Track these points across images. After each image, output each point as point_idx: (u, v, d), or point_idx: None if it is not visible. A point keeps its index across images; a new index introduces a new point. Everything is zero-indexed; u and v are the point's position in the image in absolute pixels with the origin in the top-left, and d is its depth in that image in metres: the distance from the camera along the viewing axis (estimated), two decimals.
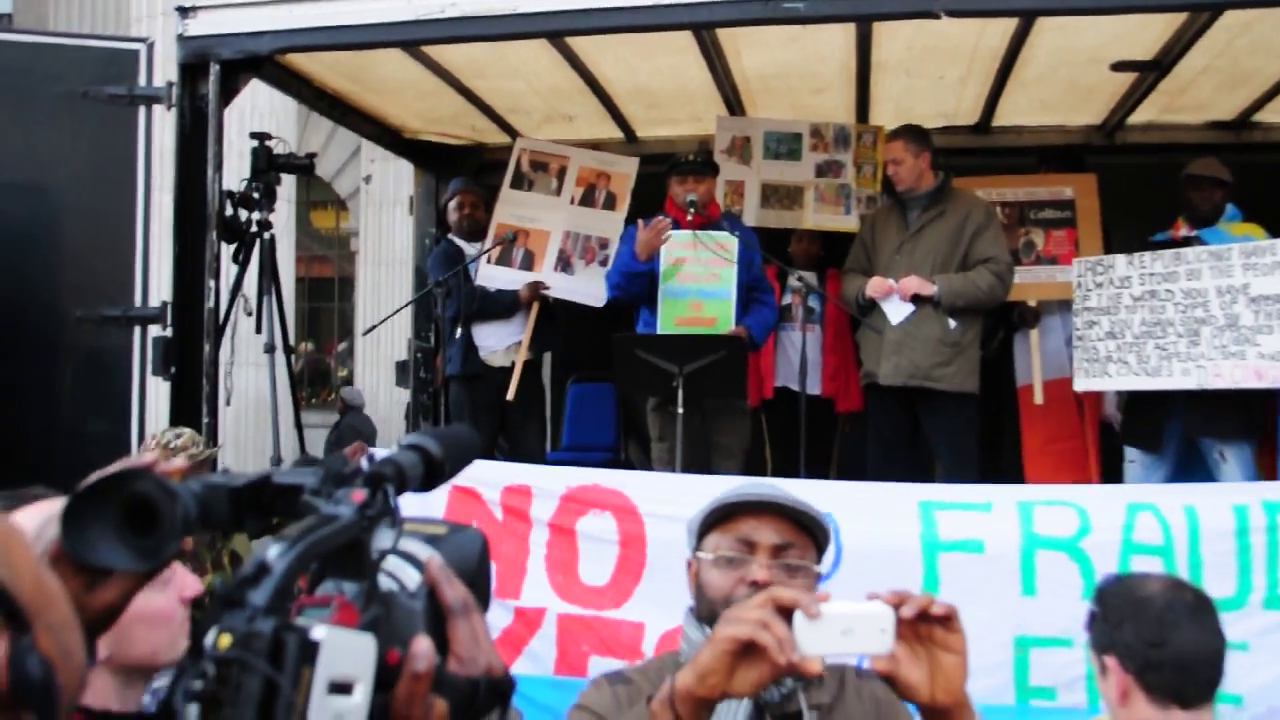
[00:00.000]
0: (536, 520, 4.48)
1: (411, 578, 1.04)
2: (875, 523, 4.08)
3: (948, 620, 1.46)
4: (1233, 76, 5.91)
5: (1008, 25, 5.25)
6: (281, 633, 0.83)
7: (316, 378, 12.00)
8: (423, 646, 0.96)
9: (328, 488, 0.99)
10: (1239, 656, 3.90)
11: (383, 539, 0.99)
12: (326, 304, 15.41)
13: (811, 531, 2.00)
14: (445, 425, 6.09)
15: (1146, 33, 5.35)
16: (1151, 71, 5.77)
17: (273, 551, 0.89)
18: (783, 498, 1.99)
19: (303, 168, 5.50)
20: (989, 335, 6.19)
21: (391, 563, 1.03)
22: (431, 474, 1.12)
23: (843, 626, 1.41)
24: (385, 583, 1.02)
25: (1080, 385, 5.64)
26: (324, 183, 14.95)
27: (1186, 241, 5.58)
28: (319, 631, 0.84)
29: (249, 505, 0.98)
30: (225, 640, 0.82)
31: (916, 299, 5.49)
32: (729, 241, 5.55)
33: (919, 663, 1.46)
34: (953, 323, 5.48)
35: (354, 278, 14.82)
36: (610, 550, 4.38)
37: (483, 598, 1.15)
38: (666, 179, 5.74)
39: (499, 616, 4.39)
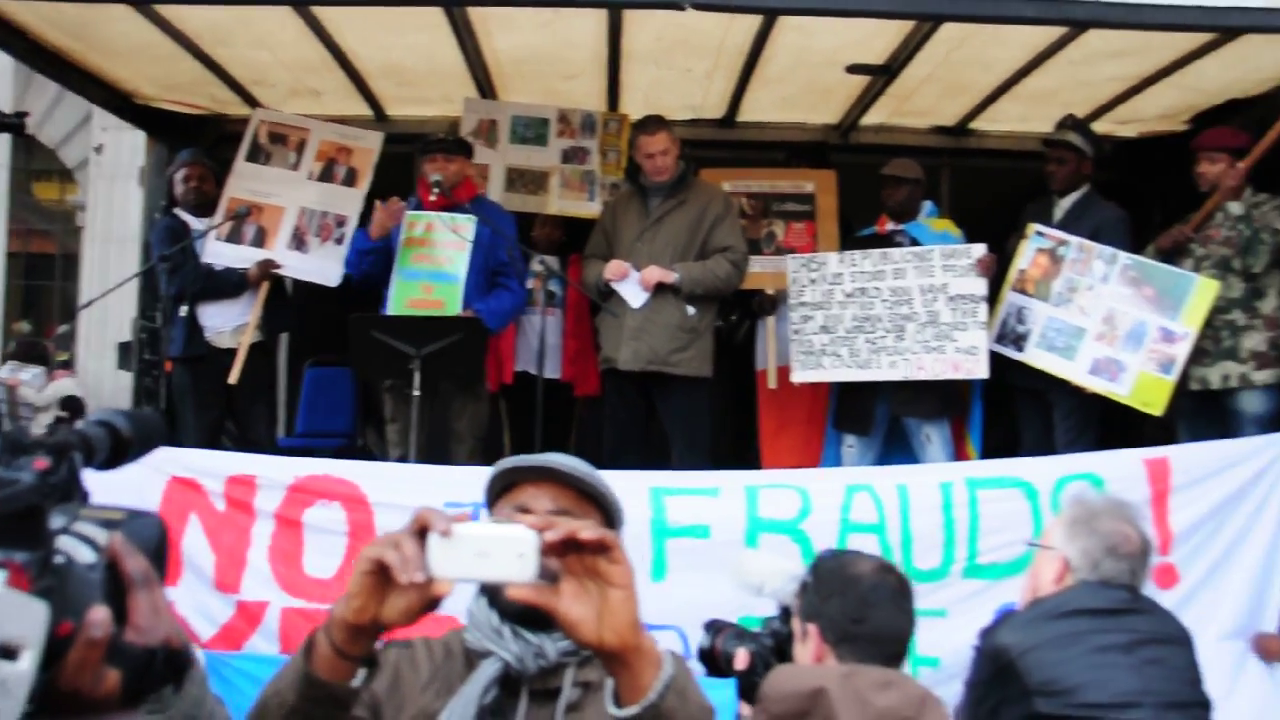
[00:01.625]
0: (261, 512, 4.46)
1: (87, 556, 1.02)
2: None
3: (608, 551, 1.37)
4: (952, 85, 6.39)
5: (752, 23, 5.49)
6: (71, 568, 0.87)
7: (33, 359, 11.37)
8: (98, 615, 0.97)
9: (6, 455, 0.98)
10: (939, 622, 4.25)
11: (61, 511, 1.00)
12: (46, 282, 14.64)
13: (598, 503, 2.00)
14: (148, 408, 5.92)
15: (878, 39, 5.70)
16: (882, 75, 6.16)
17: None
18: (560, 464, 1.98)
19: (11, 126, 5.22)
20: (736, 323, 6.46)
21: (67, 542, 1.01)
22: (118, 451, 1.15)
23: (478, 549, 1.31)
24: (60, 558, 1.00)
25: (797, 377, 6.02)
26: (48, 151, 14.18)
27: (890, 235, 6.04)
28: None
29: None
30: None
31: (658, 286, 5.68)
32: (466, 224, 5.63)
33: (585, 600, 1.37)
34: (690, 309, 5.72)
35: (79, 255, 14.11)
36: (338, 542, 4.39)
37: (160, 576, 1.13)
38: (417, 159, 5.75)
39: (219, 610, 4.36)
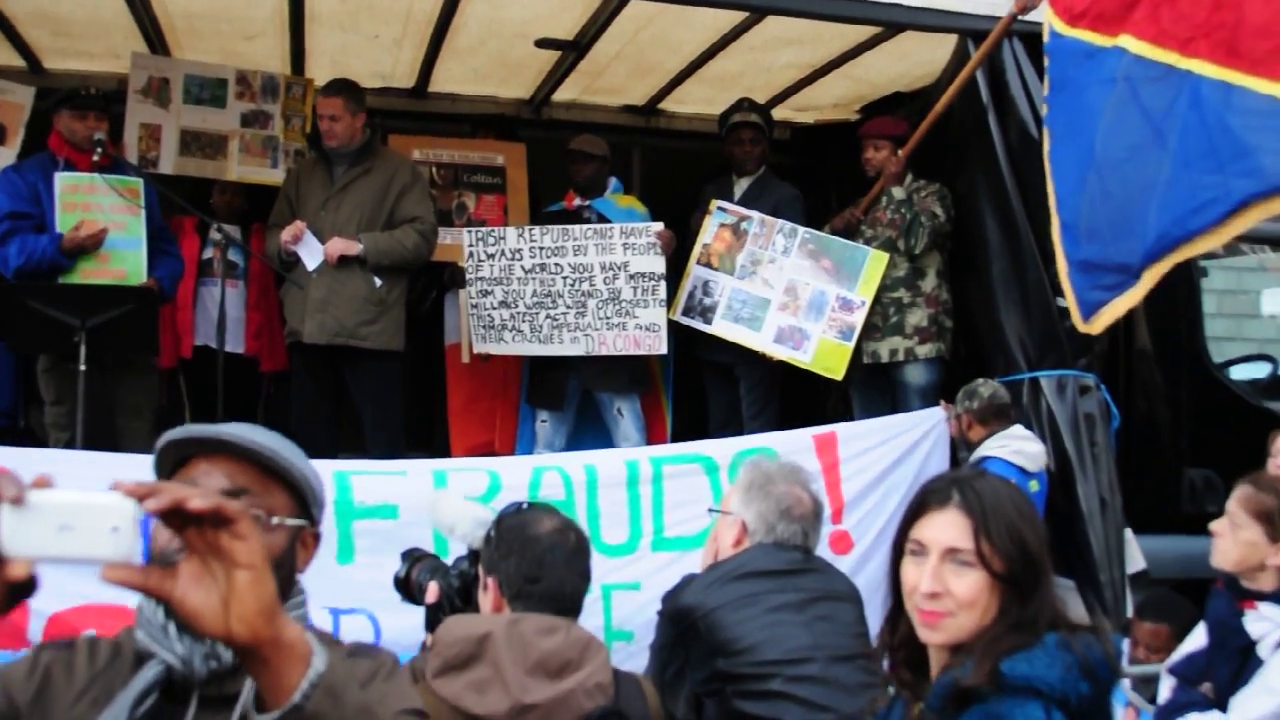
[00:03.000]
0: None
1: None
2: None
3: (230, 524, 1.13)
4: (640, 65, 6.37)
5: None
6: None
7: None
8: None
9: None
10: (632, 595, 4.23)
11: None
12: None
13: (286, 481, 1.69)
14: None
15: (567, 14, 5.60)
16: (571, 51, 6.07)
17: None
18: (234, 435, 1.66)
19: None
20: (423, 294, 6.22)
21: None
22: None
23: (61, 521, 1.07)
24: None
25: (478, 348, 5.91)
26: None
27: (578, 211, 5.97)
28: None
29: None
30: None
31: (342, 257, 5.36)
32: (137, 185, 5.17)
33: (208, 584, 1.14)
34: (378, 281, 5.44)
35: None
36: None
37: None
38: (55, 113, 5.19)
39: None
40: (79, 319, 4.76)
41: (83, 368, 4.77)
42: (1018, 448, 4.76)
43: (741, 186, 6.05)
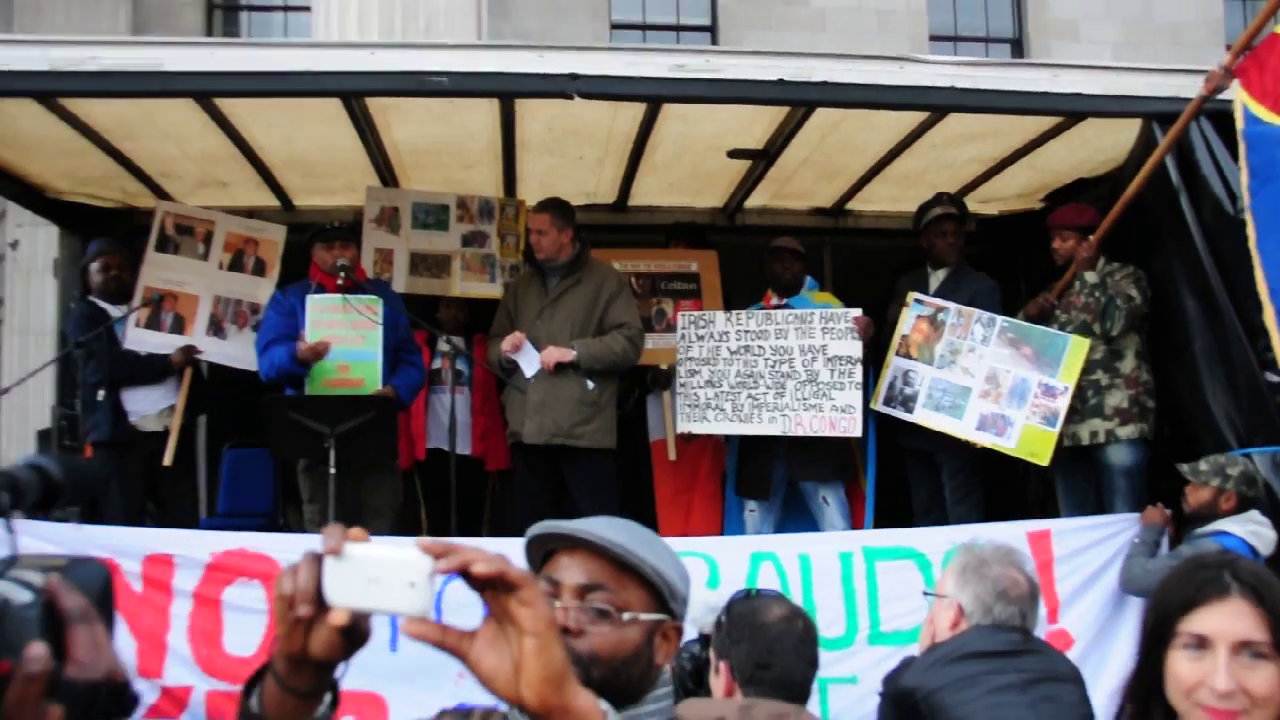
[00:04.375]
0: (179, 591, 4.22)
1: (24, 597, 0.98)
2: None
3: (516, 590, 1.11)
4: (827, 169, 6.39)
5: (637, 111, 5.43)
6: None
7: None
8: (36, 651, 0.94)
9: None
10: (849, 689, 4.16)
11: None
12: None
13: (644, 578, 1.61)
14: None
15: (756, 125, 5.68)
16: (761, 159, 6.14)
17: None
18: (588, 531, 1.62)
19: None
20: (625, 394, 6.35)
21: (2, 585, 0.98)
22: (50, 494, 1.11)
23: (371, 574, 1.09)
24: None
25: (682, 427, 5.93)
26: None
27: (776, 309, 5.96)
28: None
29: None
30: None
31: (558, 365, 5.54)
32: (375, 304, 5.46)
33: (502, 648, 1.13)
34: (590, 383, 5.58)
35: None
36: (258, 620, 4.18)
37: (107, 624, 1.08)
38: (310, 246, 5.57)
39: (145, 694, 4.07)
40: (328, 426, 5.02)
41: (333, 470, 5.05)
42: (1254, 529, 4.47)
43: (937, 278, 5.98)
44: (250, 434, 6.67)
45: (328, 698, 1.22)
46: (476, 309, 6.56)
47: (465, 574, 1.11)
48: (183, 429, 5.93)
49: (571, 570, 1.61)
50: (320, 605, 1.10)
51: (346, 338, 5.38)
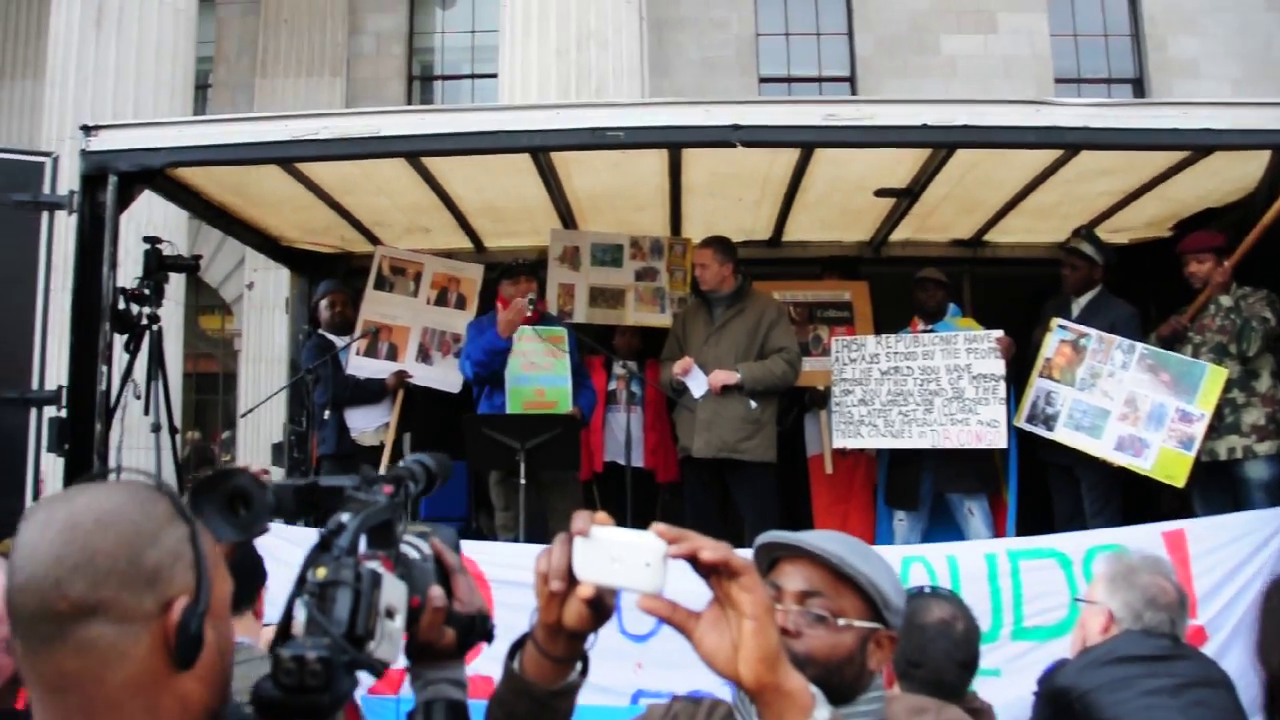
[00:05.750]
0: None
1: (418, 553, 1.26)
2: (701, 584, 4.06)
3: (737, 576, 1.12)
4: (966, 204, 6.22)
5: (791, 156, 5.40)
6: (359, 566, 1.08)
7: (204, 462, 11.50)
8: (437, 591, 1.24)
9: (365, 486, 1.21)
10: (993, 681, 4.03)
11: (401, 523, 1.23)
12: (212, 397, 14.86)
13: (860, 588, 1.60)
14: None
15: (900, 166, 5.58)
16: (905, 197, 6.02)
17: (344, 516, 1.13)
18: (809, 542, 1.62)
19: (188, 267, 5.28)
20: (785, 413, 6.30)
21: (405, 547, 1.24)
22: (430, 482, 1.36)
23: (613, 553, 1.14)
24: (407, 553, 1.24)
25: (838, 443, 5.83)
26: (211, 289, 14.47)
27: (923, 333, 5.85)
28: (379, 568, 1.10)
29: (305, 500, 1.21)
30: (321, 571, 1.08)
31: (724, 386, 5.53)
32: (561, 334, 5.55)
33: (724, 630, 1.13)
34: (753, 403, 5.55)
35: (236, 374, 14.29)
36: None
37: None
38: (498, 283, 5.70)
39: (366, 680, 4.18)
40: (519, 442, 5.12)
41: (522, 481, 5.14)
42: None
43: (1079, 305, 5.76)
44: (449, 448, 6.85)
45: (579, 665, 1.28)
46: (648, 336, 6.60)
47: (694, 559, 1.13)
48: (395, 443, 6.13)
49: (793, 577, 1.62)
50: (571, 581, 1.18)
51: (541, 366, 5.49)
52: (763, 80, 14.47)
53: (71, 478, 4.52)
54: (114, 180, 4.65)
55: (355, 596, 1.05)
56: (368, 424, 6.11)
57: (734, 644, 1.13)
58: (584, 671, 1.30)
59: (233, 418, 14.40)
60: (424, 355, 6.31)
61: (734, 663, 1.12)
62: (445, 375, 6.25)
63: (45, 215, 4.89)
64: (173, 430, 5.32)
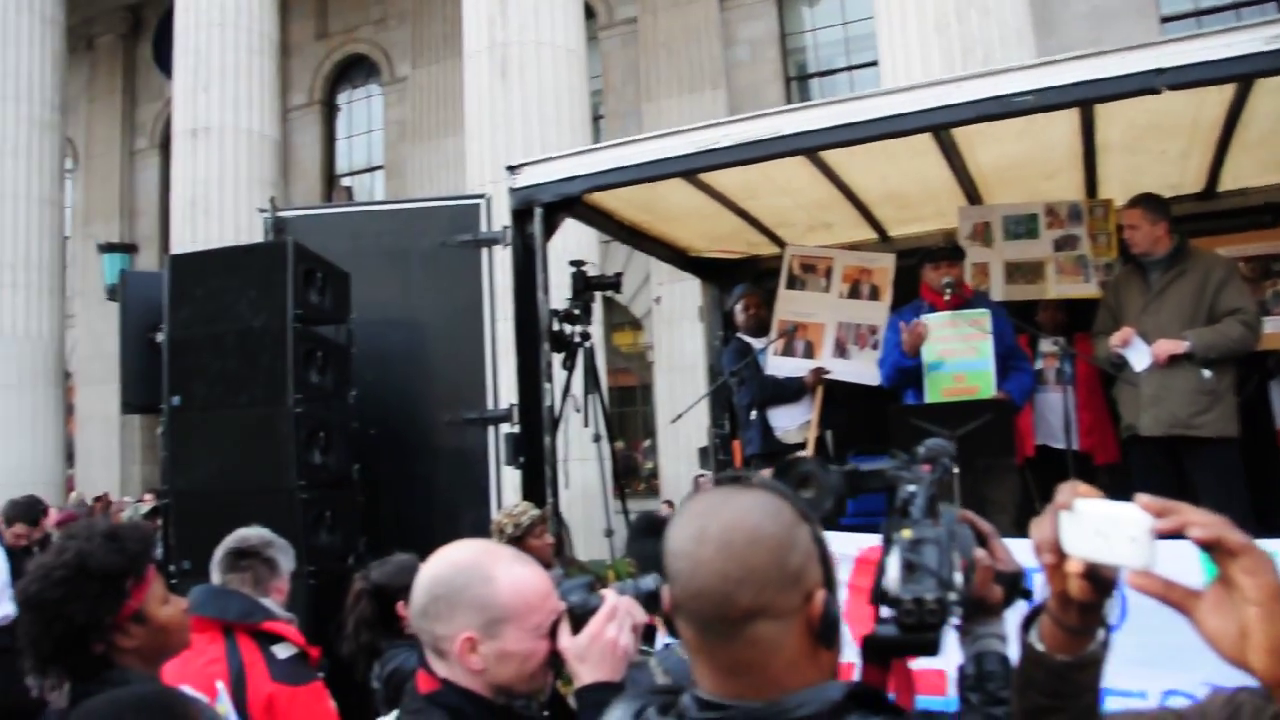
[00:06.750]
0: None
1: (950, 514, 1.37)
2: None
3: (1236, 556, 1.02)
4: None
5: (1224, 94, 4.81)
6: (937, 527, 1.27)
7: (628, 471, 12.22)
8: (982, 553, 1.41)
9: (907, 467, 1.47)
10: None
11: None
12: (631, 409, 15.77)
13: None
14: None
15: None
16: None
17: (910, 488, 1.39)
18: None
19: (612, 285, 5.62)
20: (1243, 381, 5.65)
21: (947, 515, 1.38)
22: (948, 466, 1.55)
23: (1096, 527, 1.09)
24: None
25: None
26: (622, 306, 15.36)
27: None
28: (953, 528, 1.31)
29: (852, 482, 1.52)
30: (907, 532, 1.26)
31: (1170, 356, 5.05)
32: (983, 317, 5.31)
33: (1229, 612, 1.03)
34: (1206, 373, 5.01)
35: (651, 385, 15.06)
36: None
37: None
38: (920, 268, 5.55)
39: None
40: (950, 429, 4.95)
41: (956, 470, 4.95)
42: None
43: None
44: (871, 442, 6.79)
45: (1100, 634, 1.21)
46: (1073, 309, 6.15)
47: (1184, 535, 1.05)
48: (817, 440, 6.14)
49: None
50: (1060, 554, 1.14)
51: (959, 351, 5.30)
52: (1165, 20, 13.21)
53: (530, 489, 4.94)
54: (539, 212, 5.05)
55: (940, 550, 1.23)
56: (790, 422, 6.19)
57: (1240, 629, 1.02)
58: (1106, 643, 1.23)
59: (652, 427, 15.20)
60: (840, 350, 6.29)
61: (1241, 649, 1.02)
62: (864, 369, 6.19)
63: (484, 251, 5.41)
64: (612, 439, 5.67)
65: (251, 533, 3.30)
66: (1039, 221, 6.21)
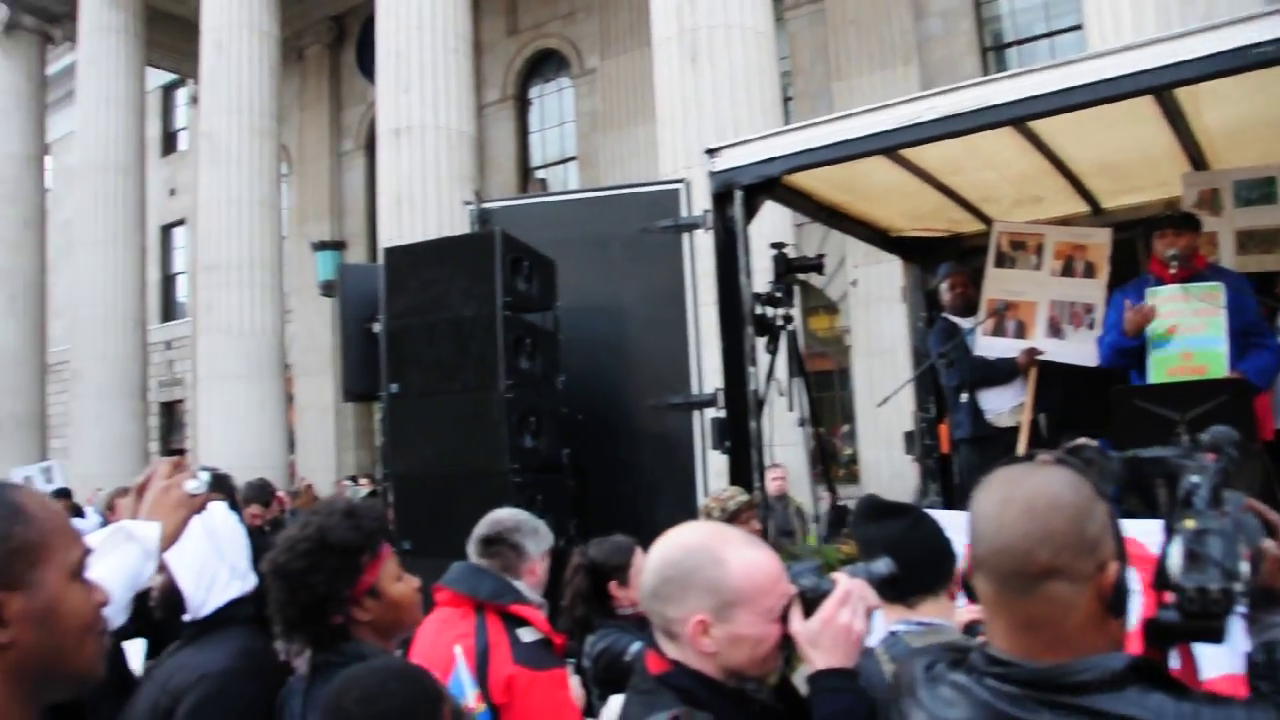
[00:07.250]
0: None
1: (1238, 501, 1.43)
2: None
3: None
4: None
5: None
6: (1222, 518, 1.32)
7: (827, 456, 12.07)
8: (1270, 543, 1.42)
9: (1189, 455, 1.46)
10: None
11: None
12: (828, 394, 15.55)
13: None
14: (958, 486, 5.84)
15: None
16: None
17: (1194, 478, 1.42)
18: None
19: (814, 267, 5.54)
20: None
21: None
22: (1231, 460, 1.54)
23: None
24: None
25: None
26: (817, 291, 15.17)
27: None
28: (1240, 518, 1.35)
29: (1132, 469, 1.54)
30: (1190, 522, 1.33)
31: None
32: (1217, 290, 4.94)
33: None
34: None
35: (849, 369, 14.82)
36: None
37: None
38: (1147, 239, 5.23)
39: None
40: (1179, 412, 4.63)
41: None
42: None
43: None
44: (1089, 426, 6.45)
45: None
46: None
47: None
48: (1032, 424, 5.87)
49: None
50: None
51: (1190, 326, 4.95)
52: None
53: (737, 472, 4.92)
54: (739, 194, 5.01)
55: (1225, 541, 1.29)
56: (1002, 405, 5.95)
57: None
58: None
59: (850, 412, 14.97)
60: (1054, 330, 5.98)
61: None
62: (1080, 349, 5.85)
63: (685, 236, 5.42)
64: (816, 422, 5.60)
65: (504, 515, 3.37)
66: (1276, 186, 5.74)
